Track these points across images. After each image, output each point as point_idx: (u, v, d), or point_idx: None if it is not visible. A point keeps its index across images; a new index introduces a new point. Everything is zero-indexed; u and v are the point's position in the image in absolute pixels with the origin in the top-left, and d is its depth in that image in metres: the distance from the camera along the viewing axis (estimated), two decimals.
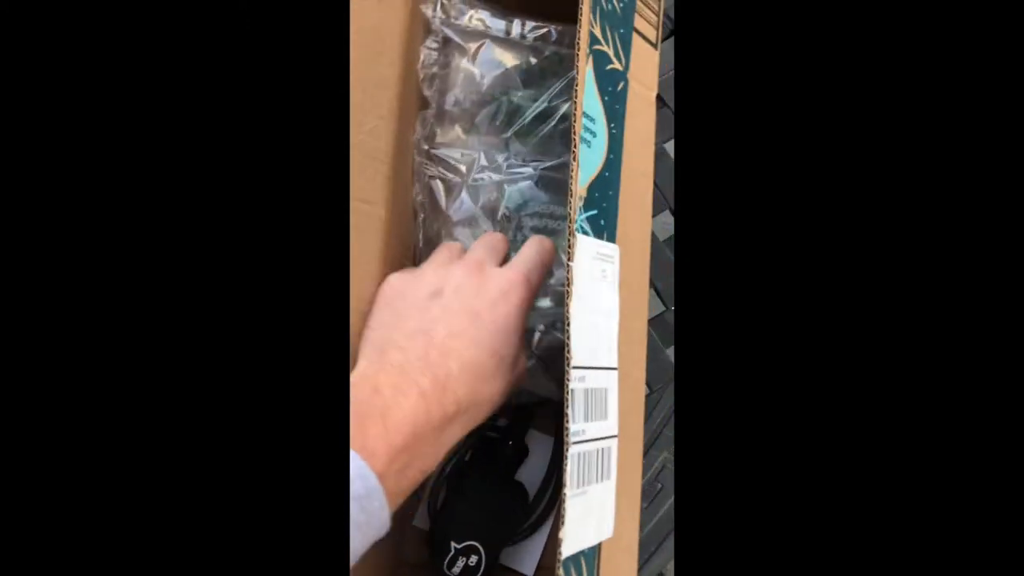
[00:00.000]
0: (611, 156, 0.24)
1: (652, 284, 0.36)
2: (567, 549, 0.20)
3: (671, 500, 0.35)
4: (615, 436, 0.23)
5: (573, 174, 0.21)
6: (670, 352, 0.36)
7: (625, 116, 0.24)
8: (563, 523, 0.20)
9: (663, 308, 0.36)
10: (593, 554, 0.22)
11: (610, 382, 0.23)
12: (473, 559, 0.29)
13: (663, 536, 0.34)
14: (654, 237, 0.37)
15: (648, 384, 0.36)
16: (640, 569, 0.34)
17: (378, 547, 0.27)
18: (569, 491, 0.20)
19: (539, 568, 0.33)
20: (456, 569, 0.29)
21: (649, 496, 0.35)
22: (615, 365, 0.23)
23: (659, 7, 0.27)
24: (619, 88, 0.24)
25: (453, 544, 0.29)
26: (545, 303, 0.31)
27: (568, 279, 0.21)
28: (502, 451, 0.31)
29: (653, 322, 0.36)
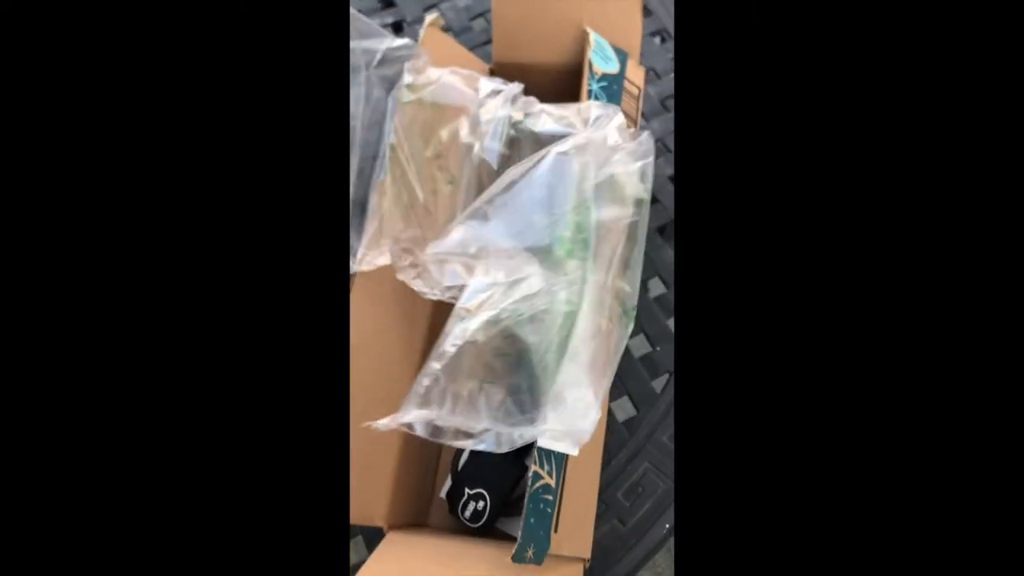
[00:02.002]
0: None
1: (643, 330, 0.47)
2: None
3: (649, 502, 0.42)
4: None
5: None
6: (656, 383, 0.45)
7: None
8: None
9: (651, 348, 0.46)
10: (562, 459, 0.31)
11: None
12: (480, 504, 0.38)
13: (642, 533, 0.41)
14: (647, 294, 0.48)
15: (636, 406, 0.45)
16: (622, 559, 0.40)
17: (408, 504, 0.36)
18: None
19: None
20: (467, 512, 0.38)
21: (632, 497, 0.42)
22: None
23: (635, 126, 0.41)
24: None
25: (466, 490, 0.38)
26: None
27: None
28: None
29: (642, 359, 0.46)
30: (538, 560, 0.28)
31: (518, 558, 0.28)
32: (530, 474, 0.29)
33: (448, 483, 0.42)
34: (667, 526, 0.41)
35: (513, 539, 0.41)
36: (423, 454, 0.40)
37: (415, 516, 0.39)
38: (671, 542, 0.41)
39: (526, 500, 0.28)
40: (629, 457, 0.43)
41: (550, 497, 0.30)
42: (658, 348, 0.46)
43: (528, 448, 0.42)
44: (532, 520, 0.28)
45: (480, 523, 0.38)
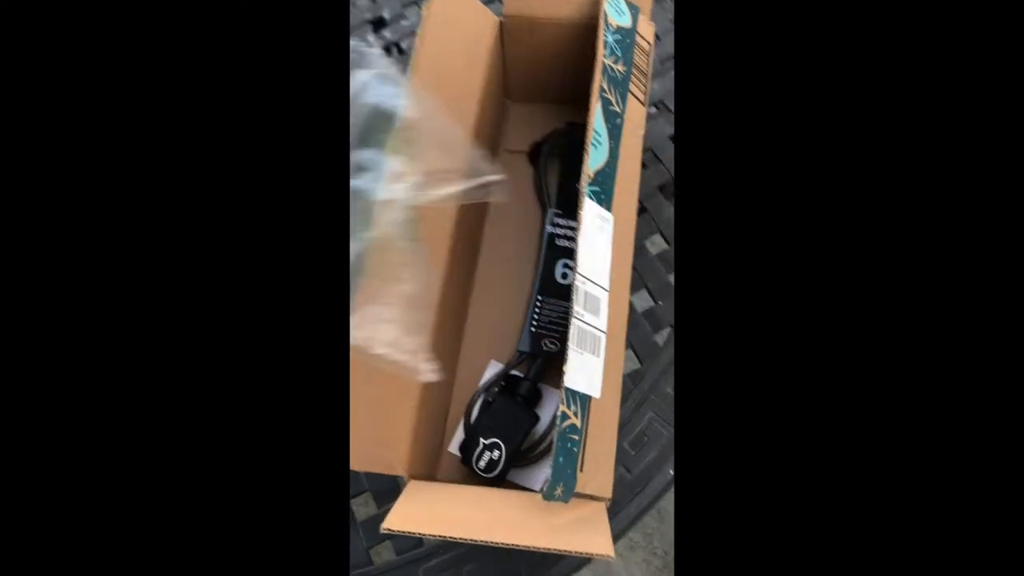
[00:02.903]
0: (611, 159, 0.37)
1: (645, 284, 0.48)
2: (568, 382, 0.30)
3: (654, 451, 0.43)
4: (604, 332, 0.33)
5: (585, 161, 0.34)
6: (658, 337, 0.46)
7: (621, 139, 0.38)
8: (566, 363, 0.30)
9: (653, 303, 0.47)
10: (586, 400, 0.31)
11: (602, 296, 0.34)
12: (496, 453, 0.38)
13: (646, 481, 0.43)
14: (647, 251, 0.49)
15: (639, 358, 0.46)
16: (628, 504, 0.42)
17: (423, 456, 0.36)
18: (571, 346, 0.30)
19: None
20: (482, 463, 0.38)
21: (637, 446, 0.43)
22: (607, 287, 0.34)
23: (647, 81, 0.41)
24: (617, 122, 0.38)
25: (481, 440, 0.38)
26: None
27: (579, 221, 0.33)
28: (523, 384, 0.41)
29: (645, 313, 0.47)
30: (566, 498, 0.29)
31: (549, 496, 0.28)
32: (558, 414, 0.29)
33: (460, 436, 0.42)
34: (671, 473, 0.43)
35: (526, 489, 0.42)
36: (437, 405, 0.40)
37: (429, 469, 0.40)
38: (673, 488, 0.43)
39: (555, 439, 0.29)
40: (634, 407, 0.44)
41: (576, 437, 0.30)
42: (660, 303, 0.47)
43: (537, 398, 0.43)
44: (561, 459, 0.29)
45: (495, 473, 0.38)
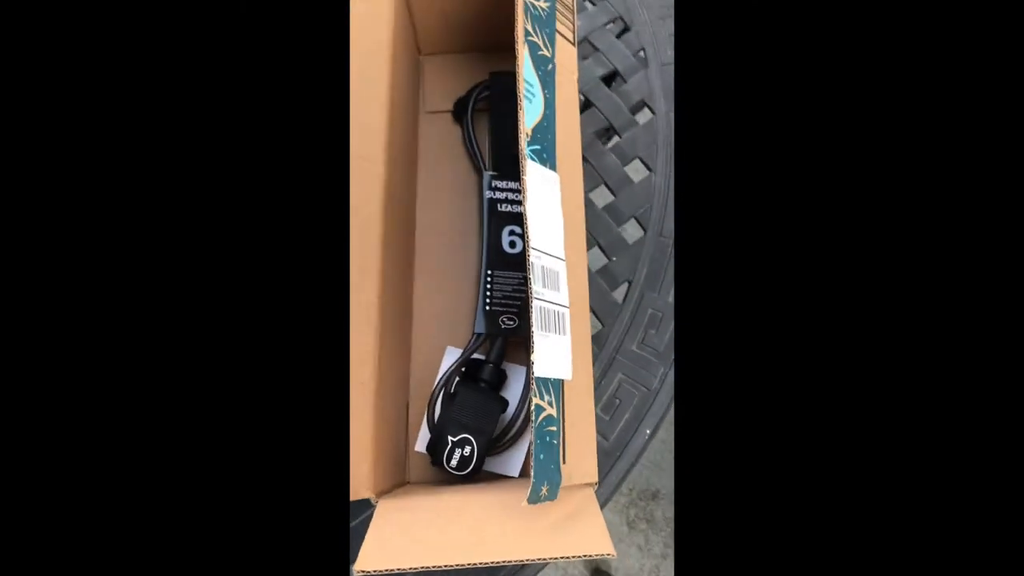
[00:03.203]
0: (547, 112, 0.33)
1: (596, 241, 0.45)
2: (538, 371, 0.27)
3: (628, 414, 0.42)
4: (566, 307, 0.30)
5: (521, 119, 0.30)
6: (617, 294, 0.44)
7: (555, 87, 0.34)
8: (532, 352, 0.27)
9: (607, 260, 0.45)
10: (559, 385, 0.29)
11: (560, 269, 0.31)
12: (467, 449, 0.35)
13: (624, 443, 0.41)
14: (594, 204, 0.46)
15: (600, 320, 0.43)
16: (609, 471, 0.40)
17: (388, 468, 0.33)
18: (536, 331, 0.27)
19: (522, 473, 0.39)
20: (453, 461, 0.35)
21: (610, 410, 0.41)
22: (563, 257, 0.31)
23: (573, 17, 0.37)
24: (549, 68, 0.34)
25: (450, 438, 0.35)
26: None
27: (524, 188, 0.29)
28: (486, 368, 0.38)
29: (600, 272, 0.44)
30: (553, 496, 0.27)
31: (534, 499, 0.26)
32: (532, 408, 0.26)
33: (426, 434, 0.39)
34: (647, 432, 0.41)
35: (503, 477, 0.39)
36: (395, 406, 0.36)
37: (396, 476, 0.36)
38: (663, 461, 0.42)
39: (533, 436, 0.26)
40: (602, 371, 0.42)
41: (554, 428, 0.28)
42: (614, 259, 0.45)
43: (502, 379, 0.40)
44: (542, 456, 0.26)
45: (468, 469, 0.35)
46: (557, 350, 0.29)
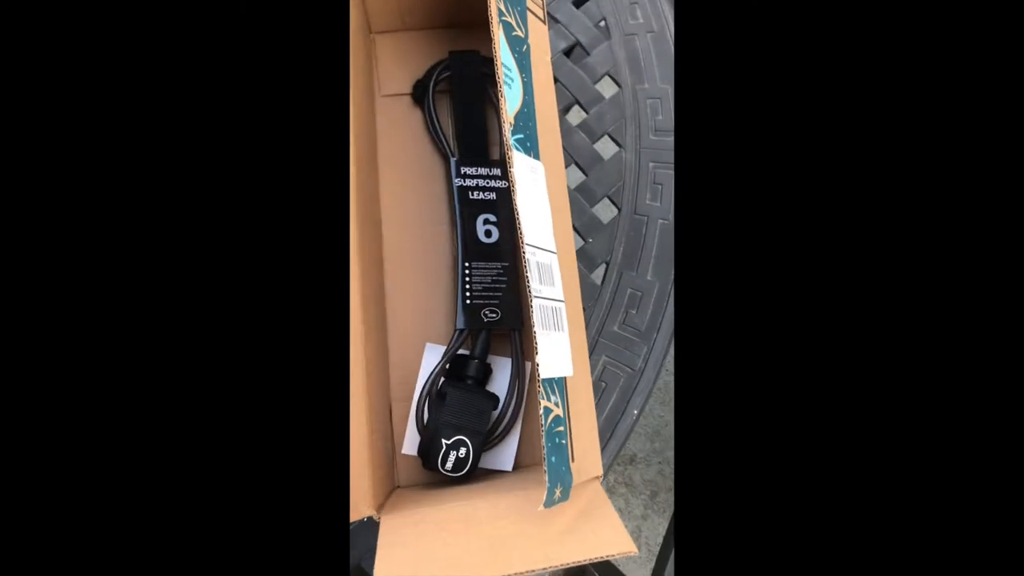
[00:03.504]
0: (527, 96, 0.31)
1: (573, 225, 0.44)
2: (544, 373, 0.26)
3: (614, 397, 0.42)
4: (562, 301, 0.30)
5: (503, 107, 0.29)
6: (595, 276, 0.43)
7: (531, 69, 0.32)
8: (537, 354, 0.26)
9: (583, 242, 0.44)
10: (562, 383, 0.28)
11: (552, 262, 0.30)
12: (462, 451, 0.34)
13: (613, 424, 0.41)
14: (568, 188, 0.45)
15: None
16: (601, 451, 0.40)
17: (383, 479, 0.31)
18: (538, 331, 0.26)
19: (515, 466, 0.38)
20: (449, 464, 0.34)
21: (596, 393, 0.41)
22: (554, 250, 0.30)
23: None
24: (524, 49, 0.32)
25: (444, 442, 0.34)
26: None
27: (512, 181, 0.28)
28: (471, 365, 0.37)
29: (577, 254, 0.44)
30: (566, 497, 0.26)
31: (549, 503, 0.25)
32: (541, 411, 0.25)
33: (412, 436, 0.38)
34: (635, 412, 0.42)
35: (496, 472, 0.39)
36: (381, 413, 0.35)
37: (387, 484, 0.35)
38: (639, 426, 0.42)
39: (543, 440, 0.25)
40: None
41: (562, 428, 0.27)
42: (590, 240, 0.44)
43: (488, 375, 0.39)
44: (553, 459, 0.26)
45: (464, 471, 0.34)
46: (558, 347, 0.28)
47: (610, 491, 0.91)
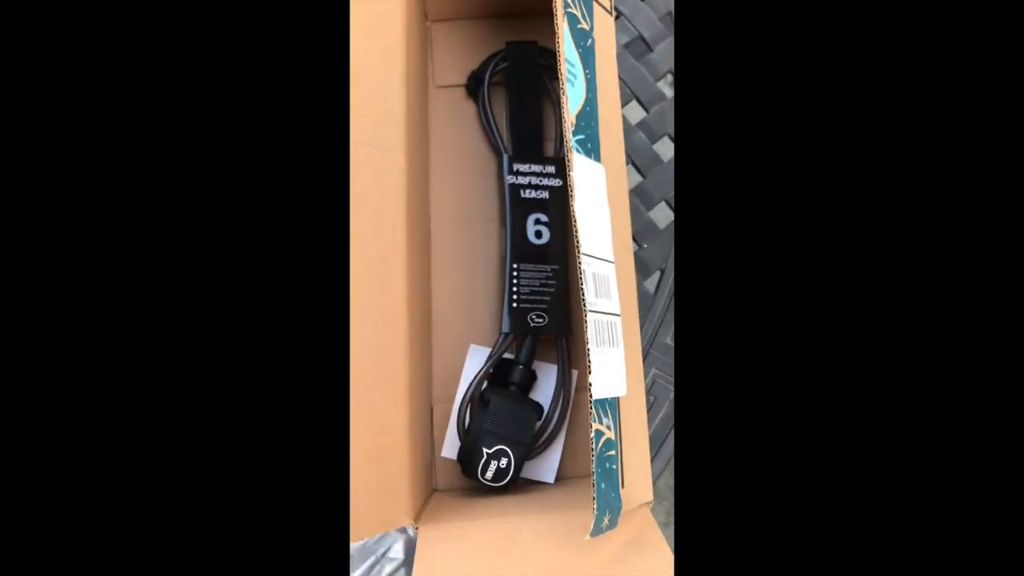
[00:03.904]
0: (590, 94, 0.29)
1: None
2: (596, 393, 0.25)
3: (663, 411, 0.40)
4: (618, 315, 0.28)
5: (565, 105, 0.27)
6: (648, 283, 0.41)
7: (595, 64, 0.30)
8: (590, 372, 0.24)
9: (637, 247, 0.42)
10: (615, 404, 0.26)
11: (610, 273, 0.28)
12: (504, 461, 0.33)
13: (659, 443, 0.39)
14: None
15: None
16: None
17: (414, 488, 0.31)
18: (592, 347, 0.25)
19: (558, 478, 0.37)
20: (489, 473, 0.33)
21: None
22: (612, 259, 0.28)
23: None
24: (588, 43, 0.30)
25: (485, 450, 0.33)
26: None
27: (570, 185, 0.26)
28: (516, 371, 0.36)
29: None
30: (614, 524, 0.25)
31: (597, 532, 0.24)
32: (592, 434, 0.24)
33: (453, 439, 0.37)
34: None
35: (541, 484, 0.38)
36: (423, 416, 0.34)
37: (426, 488, 0.34)
38: None
39: (593, 466, 0.24)
40: None
41: (613, 452, 0.25)
42: (644, 245, 0.42)
43: (532, 381, 0.38)
44: (603, 485, 0.24)
45: (505, 481, 0.33)
46: (612, 364, 0.27)
47: None
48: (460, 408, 0.35)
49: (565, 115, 0.27)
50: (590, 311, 0.25)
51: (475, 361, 0.38)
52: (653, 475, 0.39)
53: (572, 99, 0.28)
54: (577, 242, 0.25)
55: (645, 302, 0.41)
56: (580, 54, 0.29)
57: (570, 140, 0.27)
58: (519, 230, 0.38)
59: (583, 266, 0.26)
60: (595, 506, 0.23)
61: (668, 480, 0.89)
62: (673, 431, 0.39)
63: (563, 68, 0.27)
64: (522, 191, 0.38)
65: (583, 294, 0.25)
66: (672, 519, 0.88)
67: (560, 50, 0.27)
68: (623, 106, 0.45)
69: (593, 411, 0.24)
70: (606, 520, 0.24)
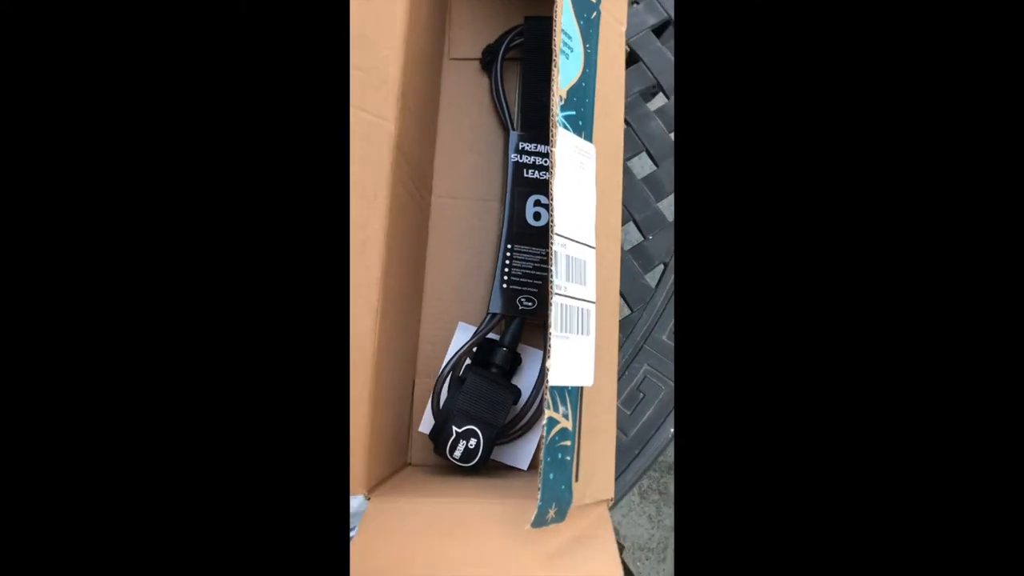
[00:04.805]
0: (587, 70, 0.28)
1: (631, 216, 0.40)
2: (553, 379, 0.23)
3: (652, 409, 0.38)
4: (592, 302, 0.27)
5: (555, 77, 0.26)
6: (650, 277, 0.40)
7: (598, 40, 0.29)
8: (548, 357, 0.23)
9: (642, 238, 0.40)
10: (576, 394, 0.25)
11: (588, 257, 0.27)
12: (472, 442, 0.32)
13: (645, 441, 0.38)
14: (632, 174, 0.41)
15: (629, 305, 0.39)
16: (625, 470, 0.37)
17: (387, 456, 0.30)
18: (554, 332, 0.24)
19: (532, 464, 0.36)
20: (457, 453, 0.33)
21: (632, 404, 0.38)
22: (593, 244, 0.27)
23: None
24: (593, 16, 0.29)
25: (454, 428, 0.32)
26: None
27: (552, 161, 0.25)
28: (498, 352, 0.35)
29: (633, 251, 0.40)
30: (561, 518, 0.24)
31: (539, 523, 0.23)
32: (544, 421, 0.23)
33: (430, 416, 0.36)
34: (671, 431, 0.38)
35: (510, 468, 0.37)
36: (398, 387, 0.34)
37: (396, 459, 0.34)
38: (672, 447, 0.39)
39: (543, 454, 0.23)
40: (627, 361, 0.39)
41: (568, 443, 0.24)
42: (650, 237, 0.40)
43: (516, 365, 0.37)
44: (551, 476, 0.23)
45: (473, 462, 0.33)
46: (578, 353, 0.25)
47: (642, 497, 0.87)
48: (436, 384, 0.35)
49: (555, 88, 0.25)
50: (556, 294, 0.24)
51: (462, 338, 0.37)
52: (636, 473, 0.37)
53: (564, 73, 0.26)
54: (552, 221, 0.24)
55: (644, 295, 0.39)
56: (580, 26, 0.28)
57: (557, 114, 0.25)
58: (518, 210, 0.37)
59: (555, 247, 0.24)
60: (539, 496, 0.22)
61: (657, 478, 0.87)
62: (660, 429, 0.37)
63: (558, 39, 0.26)
64: (525, 170, 0.37)
65: (551, 276, 0.24)
66: (662, 519, 0.86)
67: (557, 19, 0.26)
68: (651, 95, 0.43)
69: (548, 398, 0.23)
70: (552, 512, 0.23)
